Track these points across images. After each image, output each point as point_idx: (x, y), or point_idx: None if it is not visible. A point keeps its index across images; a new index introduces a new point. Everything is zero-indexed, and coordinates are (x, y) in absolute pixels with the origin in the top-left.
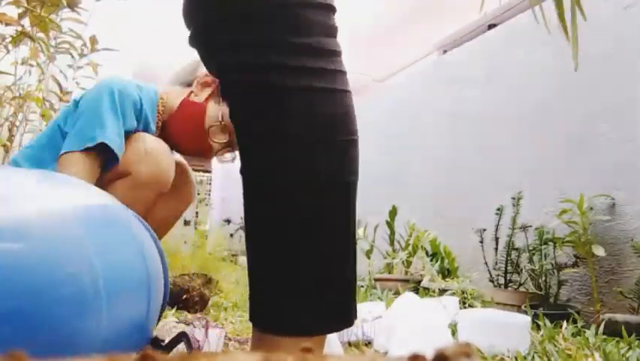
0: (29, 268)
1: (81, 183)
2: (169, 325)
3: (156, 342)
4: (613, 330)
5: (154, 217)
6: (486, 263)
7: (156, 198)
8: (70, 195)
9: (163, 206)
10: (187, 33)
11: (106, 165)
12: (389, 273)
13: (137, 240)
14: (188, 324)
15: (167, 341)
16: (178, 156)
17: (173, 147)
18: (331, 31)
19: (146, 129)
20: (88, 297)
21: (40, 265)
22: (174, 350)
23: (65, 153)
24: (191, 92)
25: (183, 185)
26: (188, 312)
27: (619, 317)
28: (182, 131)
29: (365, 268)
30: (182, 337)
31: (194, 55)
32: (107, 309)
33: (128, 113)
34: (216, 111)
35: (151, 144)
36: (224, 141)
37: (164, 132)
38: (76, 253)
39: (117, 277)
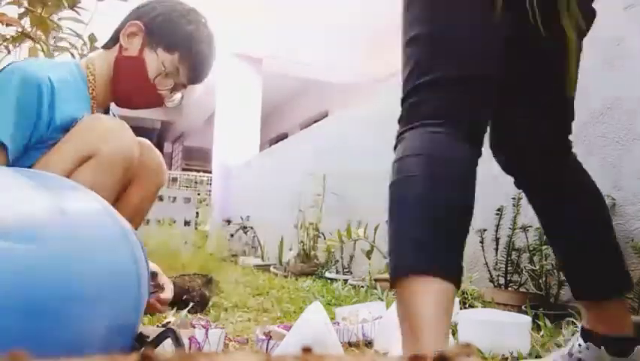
0: (45, 268)
1: (76, 185)
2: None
3: (141, 338)
4: None
5: (129, 203)
6: (486, 263)
7: (125, 180)
8: (71, 198)
9: (136, 190)
10: None
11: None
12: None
13: (129, 240)
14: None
15: (152, 338)
16: (140, 138)
17: (124, 105)
18: None
19: (78, 104)
20: (94, 295)
21: (54, 265)
22: (160, 346)
23: None
24: (121, 47)
25: (151, 164)
26: (189, 312)
27: None
28: (128, 90)
29: (365, 268)
30: (168, 333)
31: None
32: (107, 307)
33: (27, 103)
34: (156, 61)
35: (108, 122)
36: (171, 86)
37: (110, 96)
38: (82, 253)
39: (114, 276)
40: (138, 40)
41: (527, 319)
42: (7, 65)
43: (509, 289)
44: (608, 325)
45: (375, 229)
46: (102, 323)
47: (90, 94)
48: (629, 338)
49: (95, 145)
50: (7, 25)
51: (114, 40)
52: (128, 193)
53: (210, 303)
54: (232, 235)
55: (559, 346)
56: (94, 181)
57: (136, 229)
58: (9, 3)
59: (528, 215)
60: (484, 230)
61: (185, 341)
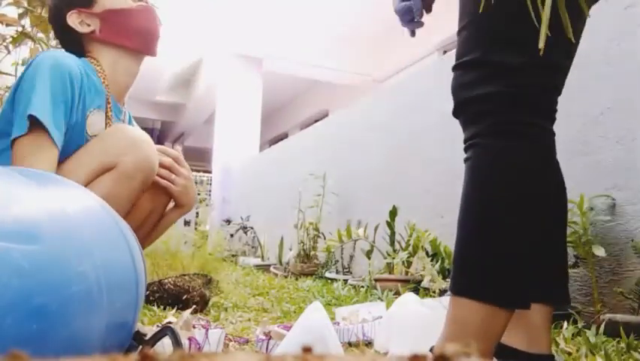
0: (45, 268)
1: (74, 184)
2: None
3: (139, 337)
4: (613, 331)
5: (140, 210)
6: None
7: (141, 191)
8: (71, 197)
9: (148, 197)
10: (189, 33)
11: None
12: (389, 273)
13: (127, 240)
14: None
15: (149, 336)
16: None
17: (149, 51)
18: None
19: (96, 95)
20: (93, 294)
21: (54, 264)
22: (158, 344)
23: (16, 139)
24: (92, 33)
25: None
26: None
27: (619, 317)
28: (139, 36)
29: (365, 268)
30: (166, 331)
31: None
32: (106, 306)
33: (61, 87)
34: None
35: (133, 133)
36: None
37: (120, 84)
38: (82, 252)
39: (113, 275)
40: (84, 15)
41: None
42: (38, 57)
43: None
44: (527, 340)
45: (375, 228)
46: (101, 322)
47: (102, 83)
48: (546, 355)
49: (118, 155)
50: (7, 25)
51: (80, 41)
52: (140, 200)
53: (210, 303)
54: (232, 235)
55: (558, 345)
56: (112, 190)
57: (144, 236)
58: (9, 4)
59: None
60: None
61: (185, 342)
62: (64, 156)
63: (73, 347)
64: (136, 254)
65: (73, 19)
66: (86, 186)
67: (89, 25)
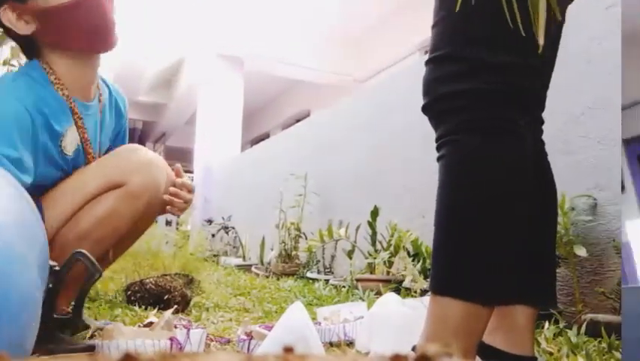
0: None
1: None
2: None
3: (51, 269)
4: (595, 331)
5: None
6: None
7: (145, 212)
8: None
9: None
10: (170, 33)
11: None
12: (371, 273)
13: (23, 195)
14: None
15: (59, 266)
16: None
17: (103, 46)
18: None
19: (61, 115)
20: (31, 269)
21: (3, 259)
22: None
23: None
24: (36, 32)
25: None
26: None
27: (601, 317)
28: (72, 42)
29: (347, 268)
30: (78, 255)
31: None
32: (40, 273)
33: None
34: None
35: (146, 155)
36: None
37: (92, 60)
38: (11, 235)
39: (36, 242)
40: (19, 10)
41: None
42: None
43: None
44: (510, 341)
45: (357, 228)
46: (39, 288)
47: (59, 91)
48: (529, 357)
49: (127, 175)
50: None
51: (33, 43)
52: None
53: (191, 303)
54: (213, 235)
55: (539, 345)
56: (114, 208)
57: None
58: None
59: None
60: None
61: (167, 342)
62: (47, 183)
63: (31, 326)
64: (32, 203)
65: (9, 17)
66: (90, 200)
67: (27, 22)
